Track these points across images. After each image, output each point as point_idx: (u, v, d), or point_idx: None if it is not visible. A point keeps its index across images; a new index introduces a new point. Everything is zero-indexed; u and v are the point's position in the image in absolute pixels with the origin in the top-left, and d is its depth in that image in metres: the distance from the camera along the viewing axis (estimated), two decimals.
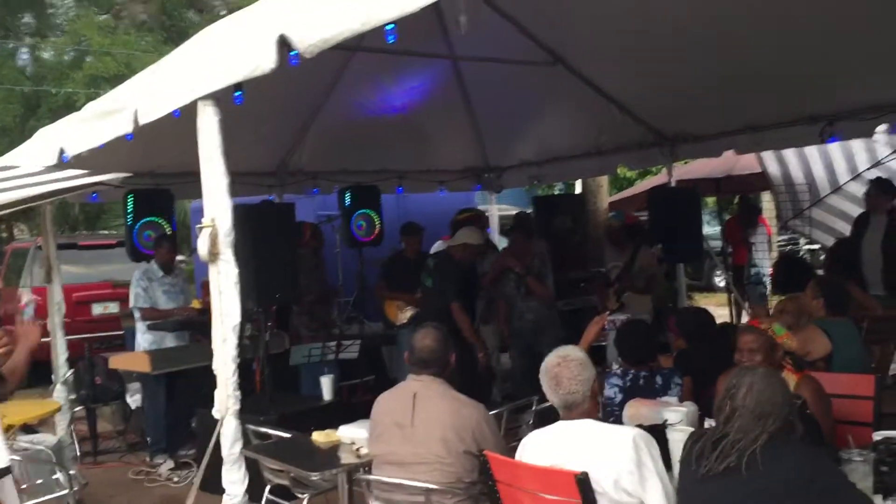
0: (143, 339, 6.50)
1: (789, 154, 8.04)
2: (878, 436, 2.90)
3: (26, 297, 9.83)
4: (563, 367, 2.90)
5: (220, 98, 3.30)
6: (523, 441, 3.04)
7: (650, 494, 2.68)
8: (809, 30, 4.88)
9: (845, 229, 7.93)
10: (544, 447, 2.93)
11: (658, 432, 3.11)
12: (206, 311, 6.23)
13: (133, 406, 7.00)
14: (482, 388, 6.11)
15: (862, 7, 4.54)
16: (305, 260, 7.00)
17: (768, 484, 2.30)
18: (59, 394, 5.67)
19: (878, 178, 6.77)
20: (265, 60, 2.86)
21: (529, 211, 8.98)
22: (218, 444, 3.50)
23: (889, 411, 3.92)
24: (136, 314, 6.52)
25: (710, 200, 12.49)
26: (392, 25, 2.53)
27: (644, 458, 2.71)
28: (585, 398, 2.93)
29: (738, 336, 3.49)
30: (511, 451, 3.12)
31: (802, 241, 12.54)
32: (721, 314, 8.32)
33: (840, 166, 8.07)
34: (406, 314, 6.89)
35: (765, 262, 9.53)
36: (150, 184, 6.94)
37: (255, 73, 2.94)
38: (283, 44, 2.78)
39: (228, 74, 3.08)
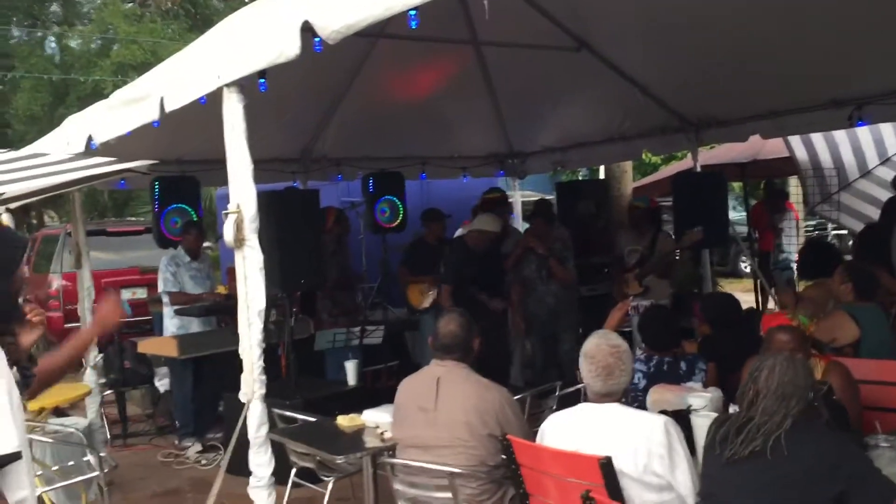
0: (171, 323, 6.58)
1: (817, 138, 7.92)
2: None
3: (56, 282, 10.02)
4: (616, 358, 2.90)
5: (245, 85, 3.32)
6: (544, 424, 3.05)
7: (680, 477, 2.70)
8: (835, 12, 4.81)
9: (875, 214, 7.81)
10: (568, 430, 2.94)
11: (682, 418, 3.12)
12: (231, 297, 6.31)
13: (161, 390, 7.11)
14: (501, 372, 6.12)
15: None
16: (326, 246, 7.05)
17: (793, 469, 2.30)
18: (90, 377, 5.77)
19: None
20: (289, 47, 2.87)
21: (551, 197, 8.95)
22: (244, 428, 3.54)
23: None
24: (165, 298, 6.61)
25: (737, 185, 12.40)
26: (415, 11, 2.52)
27: (675, 443, 2.73)
28: (624, 389, 2.95)
29: (772, 336, 3.38)
30: (535, 436, 3.13)
31: (830, 226, 12.39)
32: (747, 300, 8.28)
33: (869, 150, 7.94)
34: (428, 298, 6.92)
35: (792, 248, 9.44)
36: (176, 171, 7.01)
37: (279, 59, 2.96)
38: (307, 30, 2.79)
39: (253, 61, 3.10)
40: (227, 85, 3.28)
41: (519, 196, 9.39)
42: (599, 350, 2.93)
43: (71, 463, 5.05)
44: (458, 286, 6.27)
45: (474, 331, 3.58)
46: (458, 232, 8.51)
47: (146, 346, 6.61)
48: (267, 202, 5.32)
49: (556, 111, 7.68)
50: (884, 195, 7.80)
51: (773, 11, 4.95)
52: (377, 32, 5.77)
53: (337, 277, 7.25)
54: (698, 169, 7.55)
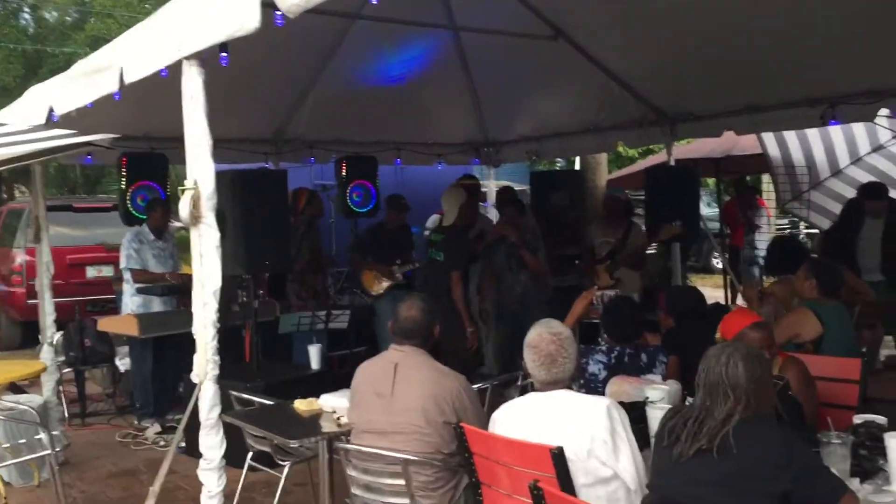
0: (132, 301, 6.49)
1: (790, 136, 7.97)
2: (858, 419, 2.88)
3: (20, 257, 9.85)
4: (557, 345, 2.87)
5: (206, 58, 3.24)
6: (495, 413, 3.02)
7: (622, 463, 2.67)
8: (810, 12, 4.82)
9: None
10: (518, 418, 2.90)
11: (639, 409, 3.10)
12: None
13: (123, 369, 7.02)
14: (467, 362, 6.09)
15: None
16: (297, 227, 6.98)
17: (741, 467, 2.27)
18: (46, 355, 5.66)
19: (871, 186, 6.63)
20: (249, 20, 2.80)
21: (524, 187, 8.92)
22: (196, 409, 3.48)
23: (876, 395, 3.91)
24: (126, 275, 6.50)
25: (710, 181, 12.45)
26: None
27: (617, 427, 2.69)
28: (571, 375, 2.91)
29: (745, 334, 3.35)
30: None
31: (803, 224, 12.49)
32: (717, 296, 8.32)
33: (841, 150, 8.01)
34: (383, 285, 6.87)
35: (763, 244, 9.51)
36: (145, 147, 6.90)
37: (238, 32, 2.88)
38: (268, 3, 2.72)
39: (213, 34, 3.01)
40: (187, 57, 3.20)
41: (493, 185, 9.35)
42: (542, 339, 2.89)
43: (23, 441, 4.97)
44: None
45: (435, 317, 3.54)
46: (433, 219, 8.48)
47: (107, 323, 6.50)
48: (232, 181, 5.28)
49: (533, 100, 7.65)
50: (853, 195, 7.86)
51: (751, 8, 4.94)
52: (352, 13, 5.71)
53: (308, 260, 7.18)
54: (672, 163, 7.56)
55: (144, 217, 6.65)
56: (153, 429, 6.21)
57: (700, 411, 2.40)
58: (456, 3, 6.19)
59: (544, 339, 2.89)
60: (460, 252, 6.23)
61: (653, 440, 2.71)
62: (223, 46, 3.12)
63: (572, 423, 2.72)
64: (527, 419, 2.86)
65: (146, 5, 18.54)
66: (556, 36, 6.23)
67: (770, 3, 4.87)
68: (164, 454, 5.60)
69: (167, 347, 6.34)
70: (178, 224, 10.48)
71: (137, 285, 6.44)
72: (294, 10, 2.72)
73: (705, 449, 2.31)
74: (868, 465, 2.67)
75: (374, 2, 2.48)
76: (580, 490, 2.64)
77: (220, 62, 3.22)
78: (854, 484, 2.55)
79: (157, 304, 6.50)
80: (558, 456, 2.61)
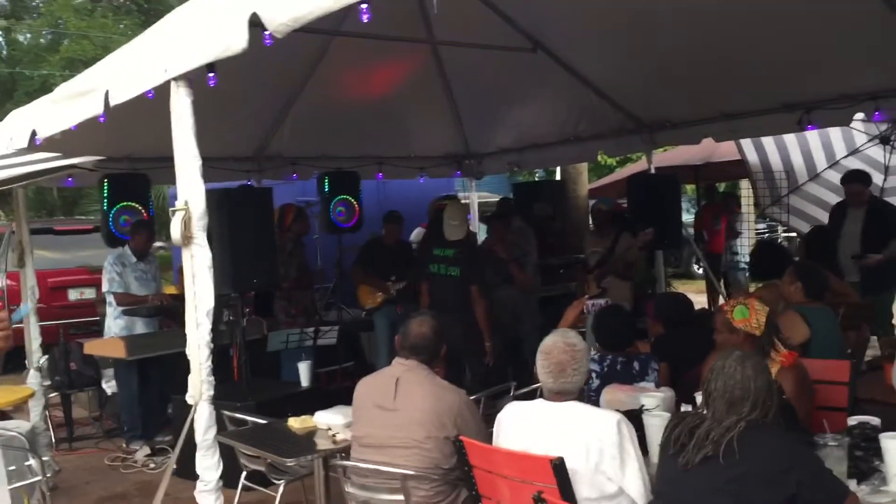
0: (115, 324, 6.43)
1: (768, 141, 8.07)
2: (852, 421, 2.92)
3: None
4: (569, 355, 2.88)
5: (193, 79, 3.24)
6: (501, 413, 3.02)
7: (629, 480, 2.68)
8: (784, 18, 4.89)
9: (823, 217, 7.97)
10: (524, 424, 2.91)
11: (635, 418, 3.12)
12: (180, 297, 6.19)
13: (109, 392, 6.95)
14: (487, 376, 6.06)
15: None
16: (285, 245, 6.97)
17: (746, 472, 2.30)
18: (33, 379, 5.61)
19: (856, 172, 6.77)
20: (237, 40, 2.80)
21: (510, 197, 8.97)
22: (192, 430, 3.45)
23: (863, 397, 3.96)
24: (109, 299, 6.45)
25: (689, 188, 12.58)
26: (366, 5, 2.47)
27: (626, 443, 2.71)
28: (579, 388, 2.93)
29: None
30: (491, 437, 3.10)
31: (780, 228, 12.64)
32: (699, 301, 8.39)
33: (818, 154, 8.12)
34: (377, 298, 6.88)
35: (744, 250, 9.62)
36: (126, 168, 6.85)
37: (226, 52, 2.88)
38: (255, 23, 2.73)
39: (200, 55, 3.01)
40: (175, 79, 3.20)
41: (476, 197, 9.39)
42: (555, 347, 2.91)
43: (12, 468, 4.89)
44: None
45: (444, 337, 3.54)
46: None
47: (93, 347, 6.44)
48: (219, 200, 5.26)
49: (513, 112, 7.68)
50: (832, 198, 7.98)
51: (726, 16, 5.01)
52: (332, 30, 5.72)
53: (296, 277, 7.18)
54: (652, 171, 7.63)
55: (127, 238, 6.60)
56: (142, 451, 6.16)
57: (709, 421, 2.41)
58: (435, 17, 6.22)
59: (558, 347, 2.91)
60: (478, 266, 6.16)
61: (653, 450, 2.74)
62: (211, 67, 3.13)
63: (581, 436, 2.73)
64: (535, 428, 2.86)
65: (121, 25, 18.48)
66: (534, 48, 6.28)
67: (743, 12, 4.94)
68: (155, 476, 5.63)
69: (152, 368, 6.30)
70: (159, 244, 10.42)
71: (122, 308, 6.38)
72: (282, 29, 2.72)
73: (711, 456, 2.33)
74: (864, 466, 2.70)
75: (365, 19, 2.48)
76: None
77: (207, 83, 3.23)
78: (851, 485, 2.58)
79: (140, 326, 6.46)
80: (559, 467, 2.62)
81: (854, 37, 4.93)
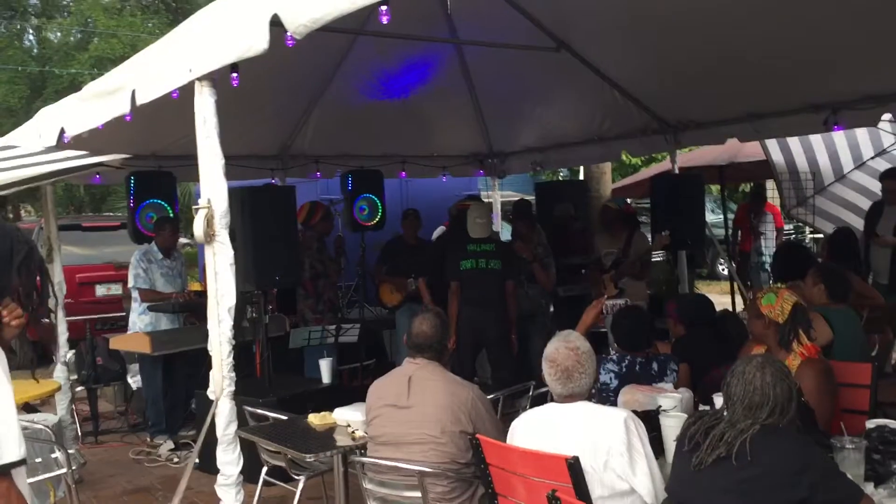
0: (140, 320, 6.51)
1: (793, 142, 8.00)
2: (871, 424, 2.90)
3: None
4: (574, 360, 2.89)
5: (217, 79, 3.29)
6: (514, 422, 3.04)
7: (639, 478, 2.69)
8: (811, 18, 4.85)
9: (849, 218, 7.90)
10: (536, 429, 2.93)
11: (652, 418, 3.12)
12: (205, 294, 6.26)
13: (134, 387, 7.05)
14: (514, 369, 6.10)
15: None
16: (311, 242, 7.07)
17: (758, 473, 2.29)
18: (60, 373, 5.70)
19: (890, 168, 6.71)
20: (258, 41, 2.85)
21: (531, 198, 8.97)
22: (213, 425, 3.51)
23: (886, 400, 3.92)
24: (134, 294, 6.54)
25: (714, 188, 12.48)
26: (385, 6, 2.50)
27: (634, 440, 2.71)
28: (589, 390, 2.94)
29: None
30: (505, 431, 3.12)
31: (808, 229, 12.51)
32: (724, 302, 8.33)
33: (845, 155, 8.03)
34: (397, 297, 6.94)
35: (770, 250, 9.55)
36: (152, 166, 6.94)
37: (247, 53, 2.93)
38: (276, 24, 2.77)
39: (223, 55, 3.07)
40: (199, 79, 3.26)
41: (498, 196, 9.40)
42: (559, 353, 2.91)
43: (39, 460, 4.99)
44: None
45: (448, 331, 3.58)
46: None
47: (118, 342, 6.54)
48: (242, 198, 5.32)
49: (536, 111, 7.69)
50: (859, 199, 7.90)
51: (751, 16, 4.97)
52: (356, 29, 5.76)
53: (331, 273, 7.28)
54: (676, 171, 7.59)
55: (153, 235, 6.69)
56: (166, 445, 6.24)
57: (724, 422, 2.41)
58: (458, 18, 6.24)
59: (561, 353, 2.91)
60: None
61: (669, 451, 2.74)
62: (234, 67, 3.17)
63: (590, 435, 2.74)
64: (545, 430, 2.88)
65: (149, 24, 18.67)
66: (558, 47, 6.28)
67: (770, 11, 4.90)
68: (178, 471, 5.70)
69: (177, 364, 6.39)
70: (184, 241, 10.53)
71: (147, 304, 6.47)
72: (301, 30, 2.76)
73: (724, 457, 2.33)
74: (882, 469, 2.68)
75: (385, 21, 2.51)
76: (596, 502, 2.66)
77: (230, 83, 3.28)
78: (868, 488, 2.57)
79: (165, 322, 6.54)
80: (574, 466, 2.63)
81: (881, 37, 4.88)
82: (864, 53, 5.13)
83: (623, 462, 2.68)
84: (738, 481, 2.31)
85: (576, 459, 2.62)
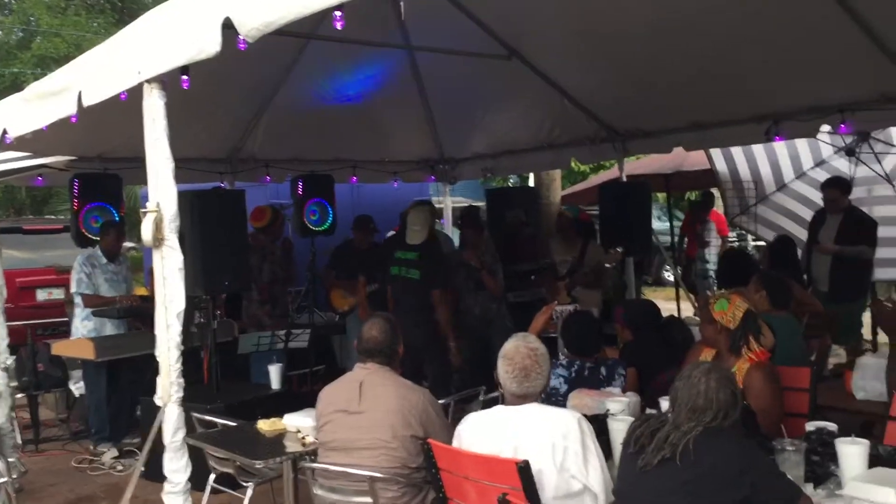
0: (83, 325, 6.38)
1: (737, 152, 8.20)
2: (810, 426, 2.99)
3: None
4: (532, 360, 2.93)
5: (167, 81, 3.25)
6: (460, 426, 3.06)
7: (592, 476, 2.73)
8: (755, 33, 5.00)
9: (789, 226, 8.12)
10: (485, 431, 2.95)
11: (600, 422, 3.17)
12: (151, 299, 6.16)
13: (77, 393, 6.89)
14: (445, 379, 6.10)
15: (803, 14, 4.66)
16: (266, 247, 7.03)
17: (701, 473, 2.36)
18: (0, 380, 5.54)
19: (838, 178, 6.89)
20: (210, 44, 2.82)
21: (480, 204, 9.03)
22: (160, 432, 3.45)
23: (824, 403, 4.04)
24: (77, 300, 6.40)
25: (661, 196, 12.71)
26: (339, 12, 2.51)
27: (588, 441, 2.76)
28: (542, 391, 2.97)
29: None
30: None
31: (750, 237, 12.81)
32: (669, 308, 8.49)
33: (785, 165, 8.25)
34: (348, 302, 6.92)
35: (713, 258, 9.76)
36: (97, 168, 6.81)
37: (199, 56, 2.90)
38: (228, 27, 2.75)
39: (173, 57, 3.03)
40: (148, 81, 3.21)
41: (450, 202, 9.43)
42: (518, 352, 2.95)
43: None
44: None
45: (398, 336, 3.58)
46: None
47: (61, 347, 6.39)
48: (191, 202, 5.25)
49: (488, 118, 7.74)
50: (798, 208, 8.13)
51: (699, 28, 5.10)
52: (308, 33, 5.74)
53: (284, 277, 7.23)
54: (624, 179, 7.72)
55: (97, 238, 6.55)
56: (110, 453, 6.11)
57: (669, 425, 2.47)
58: (411, 24, 6.26)
59: (521, 352, 2.95)
60: (440, 269, 6.19)
61: (617, 454, 2.78)
62: (184, 69, 3.14)
63: (545, 435, 2.78)
64: (496, 432, 2.90)
65: (94, 24, 18.31)
66: (510, 55, 6.34)
67: (716, 25, 5.03)
68: (122, 479, 5.60)
69: (121, 370, 6.26)
70: (129, 244, 10.33)
71: (91, 309, 6.33)
72: (254, 34, 2.74)
73: (668, 458, 2.39)
74: (820, 470, 2.77)
75: (339, 26, 2.51)
76: (549, 502, 2.70)
77: (180, 85, 3.25)
78: (808, 489, 2.65)
79: (109, 328, 6.41)
80: (524, 470, 2.66)
81: (822, 50, 5.04)
82: (805, 67, 5.30)
83: (578, 462, 2.72)
84: (683, 482, 2.36)
85: (526, 463, 2.65)
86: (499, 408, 3.01)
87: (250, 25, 2.67)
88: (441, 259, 6.37)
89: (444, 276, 6.25)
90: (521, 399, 2.93)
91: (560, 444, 2.74)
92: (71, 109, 3.67)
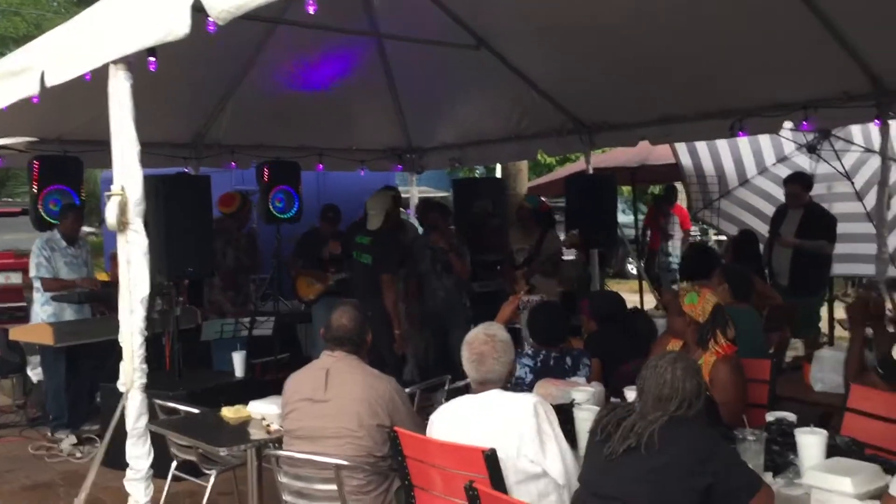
0: (42, 310, 6.27)
1: (701, 147, 8.30)
2: (770, 417, 3.05)
3: None
4: (490, 346, 2.95)
5: (133, 62, 3.20)
6: (433, 415, 3.08)
7: (549, 461, 2.75)
8: (720, 29, 5.06)
9: (751, 221, 8.24)
10: (452, 420, 2.97)
11: (566, 411, 3.20)
12: (112, 284, 6.07)
13: (35, 379, 6.78)
14: (395, 366, 6.13)
15: (769, 12, 4.73)
16: (232, 233, 6.98)
17: (665, 462, 2.39)
18: None
19: (800, 174, 6.99)
20: (179, 25, 2.78)
21: (446, 194, 9.05)
22: (122, 419, 3.41)
23: (783, 395, 4.12)
24: (37, 284, 6.28)
25: (626, 189, 12.83)
26: None
27: (543, 424, 2.78)
28: (502, 378, 2.99)
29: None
30: (424, 426, 3.15)
31: (711, 231, 12.98)
32: (632, 300, 8.57)
33: (748, 160, 8.37)
34: (314, 290, 6.89)
35: (676, 251, 9.88)
36: (58, 150, 6.68)
37: (168, 37, 2.85)
38: (198, 9, 2.71)
39: (141, 38, 2.98)
40: (114, 62, 3.15)
41: (416, 191, 9.41)
42: (476, 338, 3.00)
43: None
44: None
45: (367, 325, 3.57)
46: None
47: (18, 332, 6.27)
48: (155, 187, 5.18)
49: (456, 108, 7.74)
50: (760, 203, 8.25)
51: (667, 23, 5.15)
52: (275, 18, 5.68)
53: (250, 265, 7.17)
54: (590, 171, 7.77)
55: (56, 222, 6.43)
56: (68, 440, 6.01)
57: (636, 414, 2.51)
58: (379, 11, 6.23)
59: (479, 338, 2.99)
60: (391, 255, 6.25)
61: (582, 442, 2.81)
62: (151, 51, 3.09)
63: (502, 422, 2.80)
64: (461, 420, 2.93)
65: (54, 3, 17.94)
66: (478, 45, 6.34)
67: (684, 20, 5.09)
68: (81, 466, 5.52)
69: (81, 356, 6.16)
70: (88, 229, 10.16)
71: (51, 294, 6.22)
72: (224, 16, 2.71)
73: (634, 447, 2.42)
74: (780, 459, 2.83)
75: (311, 10, 2.49)
76: (512, 488, 2.72)
77: (147, 67, 3.20)
78: (767, 478, 2.70)
79: (69, 313, 6.30)
80: (490, 457, 2.67)
81: (786, 49, 5.13)
82: (769, 64, 5.38)
83: (535, 446, 2.75)
84: (648, 470, 2.40)
85: (492, 451, 2.67)
86: (465, 396, 3.03)
87: (220, 7, 2.63)
88: (393, 245, 6.38)
89: (394, 262, 6.31)
90: (482, 386, 2.96)
91: (515, 429, 2.76)
92: (33, 89, 3.59)
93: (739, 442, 2.79)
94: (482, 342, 2.97)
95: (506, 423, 2.80)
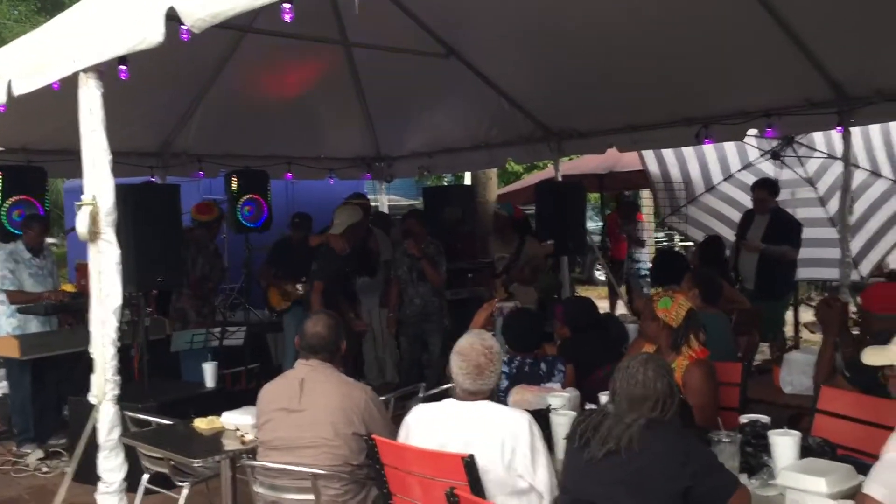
0: (7, 323, 6.14)
1: (668, 154, 8.41)
2: (744, 419, 3.09)
3: None
4: (487, 358, 2.94)
5: (104, 71, 3.17)
6: (408, 416, 3.06)
7: (539, 476, 2.77)
8: (686, 39, 5.15)
9: (717, 227, 8.36)
10: (434, 424, 2.96)
11: (542, 417, 3.21)
12: (79, 295, 5.96)
13: (0, 393, 6.63)
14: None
15: (733, 21, 4.82)
16: (204, 243, 6.91)
17: (645, 465, 2.41)
18: None
19: (767, 179, 7.10)
20: (152, 33, 2.76)
21: (414, 202, 9.05)
22: (93, 432, 3.36)
23: (753, 397, 4.18)
24: (1, 297, 6.16)
25: (594, 196, 12.93)
26: (289, 4, 2.48)
27: (537, 442, 2.80)
28: (492, 389, 3.00)
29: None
30: (397, 433, 3.14)
31: (677, 237, 13.14)
32: (602, 306, 8.64)
33: (714, 167, 8.50)
34: (287, 300, 6.87)
35: (644, 257, 9.97)
36: (21, 160, 6.58)
37: (141, 45, 2.84)
38: (172, 17, 2.69)
39: (113, 46, 2.96)
40: (84, 70, 3.12)
41: (385, 200, 9.41)
42: (473, 349, 2.96)
43: None
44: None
45: (342, 333, 3.56)
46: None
47: None
48: (124, 196, 5.11)
49: (425, 116, 7.76)
50: (726, 209, 8.38)
51: (634, 32, 5.23)
52: (245, 26, 5.65)
53: (203, 275, 7.09)
54: (559, 178, 7.83)
55: (20, 233, 6.32)
56: (35, 454, 5.89)
57: (612, 418, 2.53)
58: (349, 19, 6.23)
59: (476, 349, 2.96)
60: (318, 263, 6.19)
61: (558, 447, 2.82)
62: (123, 59, 3.07)
63: (495, 434, 2.80)
64: (446, 426, 2.91)
65: (16, 11, 17.68)
66: (447, 54, 6.38)
67: (650, 29, 5.16)
68: (48, 481, 5.42)
69: (47, 368, 6.05)
70: (51, 240, 10.01)
71: (16, 305, 6.11)
72: (200, 24, 2.70)
73: (613, 450, 2.44)
74: (754, 461, 2.86)
75: (288, 19, 2.49)
76: (495, 500, 2.72)
77: (115, 74, 3.17)
78: (742, 479, 2.73)
79: (35, 325, 6.19)
80: (470, 464, 2.68)
81: (750, 57, 5.23)
82: (734, 73, 5.48)
83: (526, 462, 2.76)
84: (628, 473, 2.42)
85: (472, 458, 2.67)
86: (450, 401, 3.01)
87: (196, 16, 2.62)
88: (324, 253, 6.24)
89: (325, 271, 6.16)
90: (473, 395, 2.94)
91: (509, 444, 2.76)
92: (0, 98, 3.54)
93: (714, 444, 2.82)
94: (479, 354, 2.94)
95: (498, 436, 2.79)
